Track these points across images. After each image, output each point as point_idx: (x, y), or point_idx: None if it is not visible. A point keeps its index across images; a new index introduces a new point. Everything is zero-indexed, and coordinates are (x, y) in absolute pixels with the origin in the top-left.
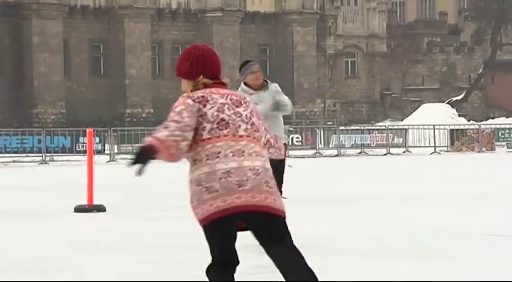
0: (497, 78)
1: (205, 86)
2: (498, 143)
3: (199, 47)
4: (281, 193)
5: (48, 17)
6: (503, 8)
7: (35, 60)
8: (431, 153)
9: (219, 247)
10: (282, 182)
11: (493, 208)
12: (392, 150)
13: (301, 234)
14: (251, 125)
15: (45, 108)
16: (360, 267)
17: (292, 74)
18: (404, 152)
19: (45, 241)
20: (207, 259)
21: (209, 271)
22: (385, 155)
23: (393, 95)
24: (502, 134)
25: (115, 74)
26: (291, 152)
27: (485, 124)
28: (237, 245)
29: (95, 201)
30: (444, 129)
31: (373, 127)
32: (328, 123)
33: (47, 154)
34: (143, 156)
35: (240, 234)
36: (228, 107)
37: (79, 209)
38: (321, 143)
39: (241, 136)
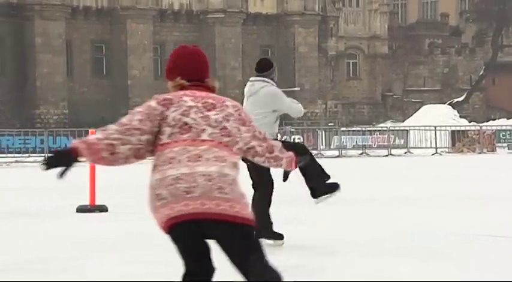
0: (498, 79)
1: (182, 87)
2: (499, 144)
3: (183, 48)
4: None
5: (51, 18)
6: (504, 9)
7: (37, 61)
8: (432, 155)
9: (182, 255)
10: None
11: (494, 209)
12: (393, 151)
13: (302, 234)
14: (221, 129)
15: (48, 108)
16: (360, 267)
17: (293, 75)
18: (405, 153)
19: (48, 241)
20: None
21: (183, 280)
22: (386, 156)
23: (394, 96)
24: (503, 135)
25: (117, 74)
26: None
27: (486, 125)
28: None
29: (97, 202)
30: (445, 130)
31: (375, 128)
32: (330, 124)
33: (49, 154)
34: (62, 159)
35: None
36: (196, 111)
37: (81, 209)
38: (322, 144)
39: (203, 140)
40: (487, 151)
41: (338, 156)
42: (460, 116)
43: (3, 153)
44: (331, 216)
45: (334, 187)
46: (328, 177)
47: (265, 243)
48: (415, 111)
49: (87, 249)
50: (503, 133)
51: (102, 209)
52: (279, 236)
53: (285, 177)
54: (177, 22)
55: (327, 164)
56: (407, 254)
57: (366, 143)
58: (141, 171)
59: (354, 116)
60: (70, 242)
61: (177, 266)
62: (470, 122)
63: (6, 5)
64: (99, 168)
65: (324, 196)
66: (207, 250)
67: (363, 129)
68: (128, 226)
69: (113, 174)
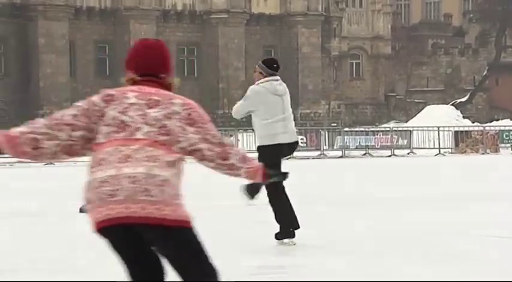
0: (501, 80)
1: (134, 82)
2: (502, 145)
3: (141, 41)
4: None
5: (54, 19)
6: (508, 10)
7: (41, 62)
8: (435, 155)
9: (120, 260)
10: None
11: (497, 210)
12: (396, 151)
13: (303, 234)
14: (159, 127)
15: (51, 109)
16: (362, 267)
17: (297, 76)
18: (408, 153)
19: (51, 241)
20: (212, 259)
21: None
22: (389, 156)
23: (398, 97)
24: (506, 136)
25: (120, 75)
26: (295, 153)
27: (489, 126)
28: (239, 245)
29: None
30: (448, 130)
31: (378, 129)
32: (333, 124)
33: None
34: None
35: (247, 235)
36: (136, 108)
37: (84, 210)
38: (325, 145)
39: (136, 139)
40: (491, 152)
41: (341, 157)
42: (464, 117)
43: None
44: (333, 216)
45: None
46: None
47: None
48: (418, 112)
49: (90, 249)
50: (507, 133)
51: None
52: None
53: (252, 190)
54: (180, 22)
55: (329, 164)
56: (410, 254)
57: (369, 144)
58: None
59: (357, 116)
60: (73, 242)
61: None
62: (473, 122)
63: (9, 6)
64: None
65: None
66: (147, 253)
67: (366, 129)
68: None
69: None
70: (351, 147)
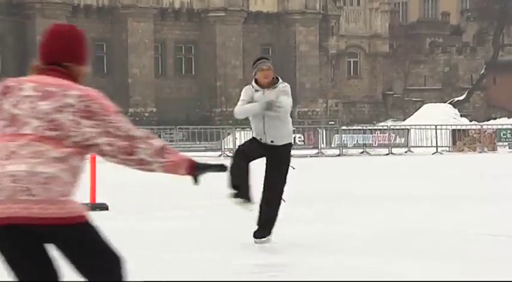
0: (499, 78)
1: (39, 71)
2: (500, 144)
3: (52, 27)
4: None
5: (52, 16)
6: (505, 8)
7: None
8: (433, 154)
9: (4, 261)
10: (281, 186)
11: (494, 208)
12: (394, 150)
13: (303, 232)
14: (48, 122)
15: None
16: (359, 266)
17: (294, 74)
18: (406, 152)
19: None
20: (209, 258)
21: None
22: (387, 155)
23: (395, 95)
24: (503, 135)
25: (118, 73)
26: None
27: (487, 124)
28: (238, 244)
29: (98, 200)
30: (446, 129)
31: (375, 127)
32: (330, 123)
33: None
34: None
35: (243, 234)
36: (30, 101)
37: None
38: (323, 143)
39: (23, 135)
40: (488, 150)
41: (339, 155)
42: (461, 115)
43: None
44: (330, 214)
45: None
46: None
47: (264, 242)
48: (416, 110)
49: None
50: (504, 132)
51: (103, 207)
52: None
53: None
54: (177, 20)
55: (327, 162)
56: (408, 253)
57: (366, 142)
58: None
59: (354, 114)
60: None
61: (177, 264)
62: (471, 121)
63: (6, 3)
64: (100, 166)
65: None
66: (35, 254)
67: (364, 128)
68: (128, 224)
69: (114, 172)
70: (348, 146)
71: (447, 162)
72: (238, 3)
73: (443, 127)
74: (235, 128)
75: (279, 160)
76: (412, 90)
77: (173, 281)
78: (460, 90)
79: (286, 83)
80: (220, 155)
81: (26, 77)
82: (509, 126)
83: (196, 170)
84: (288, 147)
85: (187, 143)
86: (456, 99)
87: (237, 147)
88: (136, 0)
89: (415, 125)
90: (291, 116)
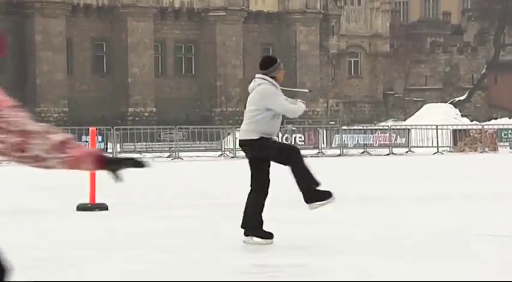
0: (500, 78)
1: None
2: (501, 144)
3: None
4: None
5: (51, 16)
6: (506, 8)
7: (37, 59)
8: (434, 154)
9: None
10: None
11: (495, 208)
12: (395, 150)
13: (302, 233)
14: None
15: (48, 106)
16: (361, 267)
17: (295, 74)
18: (407, 152)
19: (47, 240)
20: (209, 258)
21: None
22: (387, 155)
23: (396, 95)
24: (504, 135)
25: (118, 72)
26: None
27: (488, 124)
28: (237, 244)
29: (97, 200)
30: (447, 129)
31: (376, 127)
32: (331, 123)
33: None
34: None
35: (240, 234)
36: None
37: (81, 208)
38: (323, 143)
39: None
40: (489, 150)
41: (339, 155)
42: (462, 115)
43: None
44: (331, 215)
45: (327, 196)
46: (317, 184)
47: (255, 242)
48: (417, 110)
49: (87, 247)
50: (505, 132)
51: (102, 207)
52: (269, 235)
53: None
54: (177, 20)
55: (328, 162)
56: (408, 253)
57: (367, 142)
58: (140, 170)
59: (355, 114)
60: (70, 240)
61: (177, 264)
62: (472, 121)
63: (6, 3)
64: None
65: (316, 203)
66: None
67: (364, 128)
68: (128, 225)
69: None
70: (349, 146)
71: (448, 162)
72: (238, 2)
73: (444, 127)
74: (236, 128)
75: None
76: (412, 90)
77: (173, 281)
78: (461, 90)
79: None
80: (220, 155)
81: None
82: (511, 126)
83: (104, 164)
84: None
85: (187, 143)
86: (457, 99)
87: (291, 147)
88: None
89: (415, 125)
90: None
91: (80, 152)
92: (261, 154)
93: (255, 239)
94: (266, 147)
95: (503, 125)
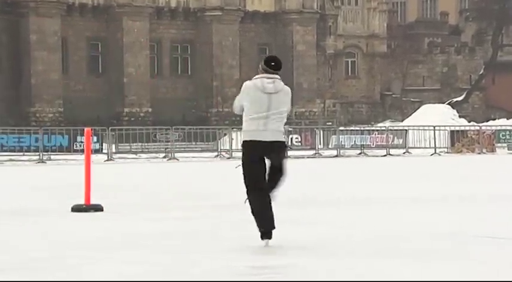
0: (498, 79)
1: None
2: (499, 145)
3: None
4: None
5: (46, 15)
6: (504, 8)
7: (32, 58)
8: (431, 155)
9: None
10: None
11: (493, 210)
12: (392, 151)
13: (300, 235)
14: None
15: (43, 106)
16: (358, 268)
17: (291, 74)
18: (404, 153)
19: (42, 241)
20: (205, 259)
21: None
22: (384, 156)
23: (393, 96)
24: (502, 136)
25: (113, 72)
26: (290, 152)
27: (486, 125)
28: (235, 246)
29: (92, 201)
30: (444, 130)
31: (373, 128)
32: (328, 123)
33: (44, 153)
34: None
35: (240, 235)
36: None
37: (76, 209)
38: (320, 144)
39: None
40: (487, 151)
41: (336, 156)
42: (460, 116)
43: None
44: (329, 216)
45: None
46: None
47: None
48: (414, 111)
49: (82, 248)
50: (503, 133)
51: (98, 208)
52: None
53: None
54: (173, 19)
55: (325, 163)
56: (406, 255)
57: (364, 143)
58: (137, 171)
59: (352, 115)
60: (65, 241)
61: (175, 265)
62: (469, 121)
63: (0, 2)
64: (95, 168)
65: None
66: None
67: (362, 128)
68: (122, 226)
69: (109, 173)
70: (346, 147)
71: (445, 163)
72: (235, 2)
73: (442, 128)
74: (232, 129)
75: None
76: (410, 91)
77: (170, 281)
78: (458, 91)
79: (250, 80)
80: (216, 156)
81: None
82: (508, 127)
83: None
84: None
85: (183, 143)
86: (455, 99)
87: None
88: None
89: (413, 126)
90: (288, 116)
91: None
92: (284, 156)
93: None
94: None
95: (501, 125)
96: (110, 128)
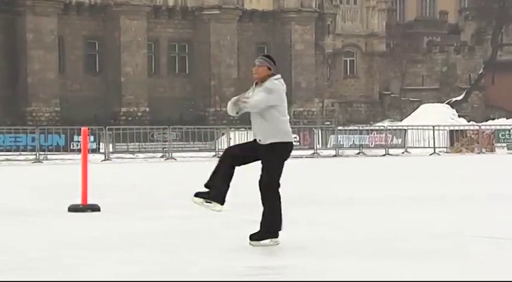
0: (497, 78)
1: None
2: (498, 144)
3: None
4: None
5: (43, 14)
6: (504, 7)
7: (29, 57)
8: (430, 154)
9: None
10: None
11: (492, 210)
12: (391, 151)
13: (299, 235)
14: None
15: (40, 106)
16: (357, 268)
17: (290, 73)
18: (403, 152)
19: (39, 241)
20: (203, 258)
21: None
22: (383, 155)
23: (392, 95)
24: (502, 135)
25: (110, 71)
26: None
27: (485, 125)
28: (233, 246)
29: (89, 201)
30: (444, 130)
31: (372, 127)
32: (326, 123)
33: (40, 153)
34: None
35: (238, 235)
36: None
37: (73, 209)
38: (319, 143)
39: None
40: (486, 151)
41: (335, 156)
42: (459, 116)
43: None
44: (327, 216)
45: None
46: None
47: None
48: (413, 111)
49: (78, 249)
50: (503, 133)
51: (94, 208)
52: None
53: None
54: (171, 18)
55: (323, 163)
56: (405, 255)
57: (363, 143)
58: (134, 171)
59: (351, 114)
60: (61, 241)
61: (172, 265)
62: (469, 121)
63: None
64: (91, 168)
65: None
66: None
67: (360, 128)
68: (120, 226)
69: (106, 173)
70: (344, 146)
71: (445, 163)
72: (233, 1)
73: (441, 128)
74: (230, 128)
75: (263, 159)
76: (409, 90)
77: (167, 281)
78: (458, 90)
79: (276, 80)
80: (214, 156)
81: None
82: (508, 127)
83: None
84: (271, 146)
85: (181, 143)
86: (454, 99)
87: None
88: None
89: (412, 126)
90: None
91: None
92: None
93: (274, 239)
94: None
95: (500, 125)
96: (107, 127)
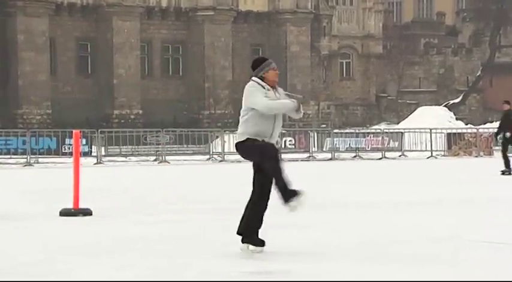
0: (495, 80)
1: None
2: (496, 148)
3: None
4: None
5: (34, 15)
6: (502, 9)
7: (20, 59)
8: (427, 158)
9: None
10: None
11: (491, 213)
12: (387, 154)
13: (294, 239)
14: None
15: (31, 108)
16: (353, 272)
17: (285, 75)
18: (400, 156)
19: (30, 245)
20: (196, 263)
21: None
22: (380, 159)
23: (389, 98)
24: (500, 139)
25: (103, 73)
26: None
27: (483, 128)
28: (228, 251)
29: (81, 205)
30: (441, 133)
31: (368, 130)
32: (322, 126)
33: (31, 156)
34: None
35: (232, 239)
36: None
37: (65, 213)
38: (314, 147)
39: None
40: (484, 154)
41: (331, 159)
42: (456, 118)
43: None
44: (323, 220)
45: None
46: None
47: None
48: (410, 113)
49: (70, 253)
50: (501, 136)
51: (86, 212)
52: (261, 243)
53: None
54: (164, 19)
55: (319, 167)
56: (402, 259)
57: (359, 146)
58: (127, 174)
59: (347, 117)
60: (54, 246)
61: (165, 270)
62: (466, 124)
63: None
64: (83, 171)
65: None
66: None
67: (357, 131)
68: (112, 230)
69: (98, 177)
70: (340, 150)
71: (442, 166)
72: (227, 2)
73: (438, 131)
74: (224, 131)
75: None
76: (406, 93)
77: (168, 281)
78: (455, 93)
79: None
80: (208, 159)
81: None
82: None
83: None
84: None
85: (175, 146)
86: (451, 101)
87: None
88: None
89: (409, 129)
90: (283, 118)
91: None
92: (245, 158)
93: (251, 247)
94: (248, 151)
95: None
96: (99, 130)
